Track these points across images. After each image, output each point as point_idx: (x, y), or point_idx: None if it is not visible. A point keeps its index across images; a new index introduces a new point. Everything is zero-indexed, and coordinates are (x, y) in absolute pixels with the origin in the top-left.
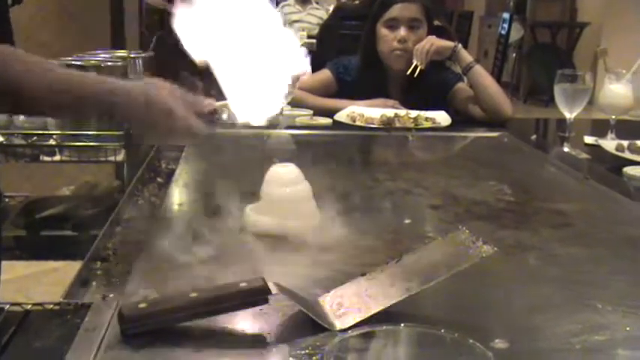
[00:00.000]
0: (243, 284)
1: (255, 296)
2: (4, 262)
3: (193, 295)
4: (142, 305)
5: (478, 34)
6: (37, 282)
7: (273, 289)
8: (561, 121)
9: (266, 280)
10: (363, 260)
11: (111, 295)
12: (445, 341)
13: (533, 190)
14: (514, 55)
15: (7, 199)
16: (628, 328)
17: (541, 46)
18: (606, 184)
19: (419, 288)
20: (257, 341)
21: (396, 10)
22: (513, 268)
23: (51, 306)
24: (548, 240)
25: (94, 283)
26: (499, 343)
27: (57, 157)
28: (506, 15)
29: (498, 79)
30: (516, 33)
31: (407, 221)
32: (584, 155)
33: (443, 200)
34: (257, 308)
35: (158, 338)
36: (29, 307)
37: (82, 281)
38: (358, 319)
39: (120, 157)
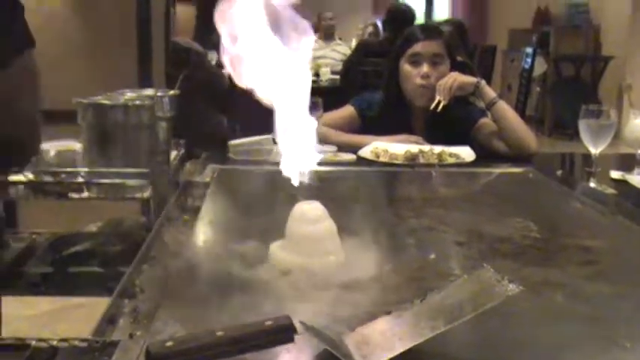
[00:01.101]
0: (269, 322)
1: (281, 334)
2: (30, 298)
3: (220, 333)
4: (169, 344)
5: (502, 68)
6: (63, 318)
7: (299, 328)
8: (587, 156)
9: (291, 319)
10: (387, 298)
11: (138, 333)
12: None
13: (559, 227)
14: (538, 89)
15: (34, 236)
16: None
17: (565, 79)
18: (633, 219)
19: (445, 327)
20: None
21: (419, 47)
22: (540, 306)
23: (77, 342)
24: (575, 277)
25: (121, 321)
26: None
27: (85, 194)
28: (529, 49)
29: (522, 113)
30: (540, 67)
31: (432, 257)
32: (610, 190)
33: (467, 237)
34: (283, 347)
35: None
36: (55, 343)
37: (109, 319)
38: (384, 359)
39: (146, 193)
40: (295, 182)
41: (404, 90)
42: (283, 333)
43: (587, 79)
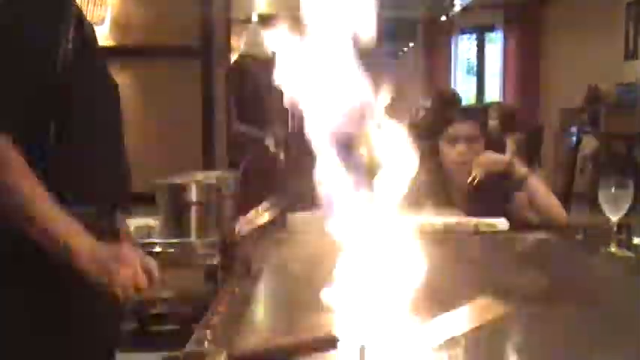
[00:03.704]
0: (317, 336)
1: (327, 344)
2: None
3: (282, 342)
4: (247, 351)
5: (554, 148)
6: None
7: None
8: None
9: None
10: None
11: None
12: None
13: (564, 276)
14: (590, 167)
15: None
16: None
17: (616, 157)
18: (633, 273)
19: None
20: None
21: (455, 128)
22: (534, 324)
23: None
24: (566, 309)
25: (205, 343)
26: None
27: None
28: (573, 129)
29: (569, 191)
30: (591, 145)
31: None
32: (628, 254)
33: (486, 286)
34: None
35: None
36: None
37: (196, 343)
38: None
39: (214, 261)
40: (343, 246)
41: (444, 167)
42: (329, 342)
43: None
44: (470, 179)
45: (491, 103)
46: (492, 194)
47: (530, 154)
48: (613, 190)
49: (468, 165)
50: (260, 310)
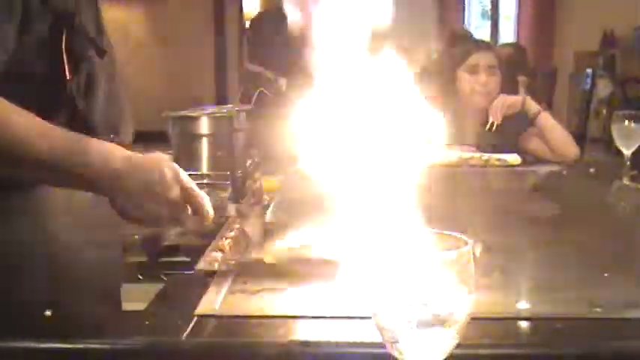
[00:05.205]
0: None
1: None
2: (128, 285)
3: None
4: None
5: (568, 92)
6: None
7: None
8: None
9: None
10: None
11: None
12: None
13: (575, 204)
14: (604, 111)
15: (133, 235)
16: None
17: (631, 100)
18: None
19: None
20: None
21: (476, 58)
22: (544, 245)
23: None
24: (576, 233)
25: (216, 264)
26: None
27: None
28: (588, 70)
29: (583, 135)
30: (606, 89)
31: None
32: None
33: (496, 211)
34: None
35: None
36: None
37: (209, 263)
38: None
39: (225, 193)
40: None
41: (462, 96)
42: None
43: None
44: (488, 126)
45: (503, 45)
46: (506, 131)
47: (542, 97)
48: (626, 123)
49: (487, 96)
50: (268, 236)
